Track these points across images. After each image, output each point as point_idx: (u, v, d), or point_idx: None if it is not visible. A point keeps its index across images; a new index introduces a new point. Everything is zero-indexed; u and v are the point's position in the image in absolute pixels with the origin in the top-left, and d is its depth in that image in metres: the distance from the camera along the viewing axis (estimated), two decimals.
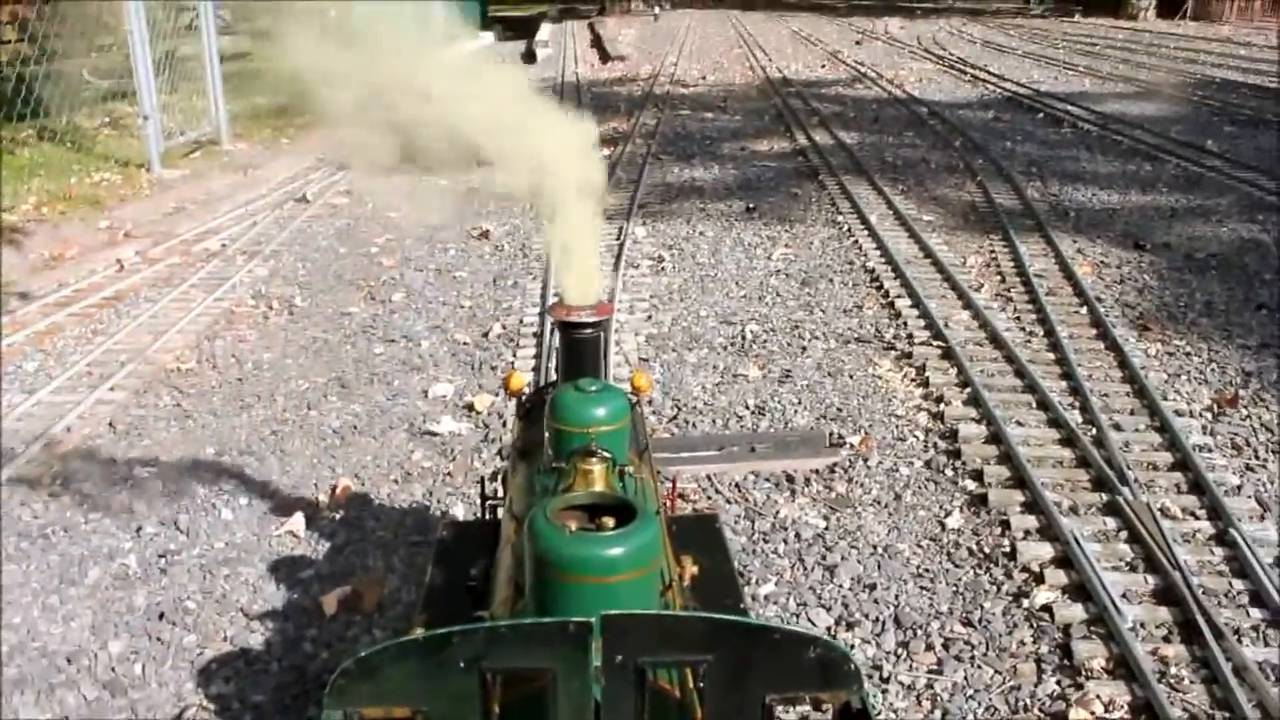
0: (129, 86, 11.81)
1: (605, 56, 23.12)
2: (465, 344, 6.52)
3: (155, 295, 7.52)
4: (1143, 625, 3.80)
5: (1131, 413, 5.48)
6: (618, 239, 8.46)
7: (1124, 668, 3.57)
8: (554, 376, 4.31)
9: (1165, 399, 5.59)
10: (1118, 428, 5.30)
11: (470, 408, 5.59)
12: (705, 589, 2.57)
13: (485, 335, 6.65)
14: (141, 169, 11.30)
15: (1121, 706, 3.41)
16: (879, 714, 3.35)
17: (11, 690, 3.49)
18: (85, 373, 6.09)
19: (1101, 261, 8.14)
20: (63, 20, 12.03)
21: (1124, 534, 4.37)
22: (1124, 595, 3.94)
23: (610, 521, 1.91)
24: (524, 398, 3.07)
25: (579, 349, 2.83)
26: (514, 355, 6.29)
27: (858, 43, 27.71)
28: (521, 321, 6.85)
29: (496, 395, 5.66)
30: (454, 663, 1.61)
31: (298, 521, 4.47)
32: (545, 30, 26.69)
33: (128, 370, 6.10)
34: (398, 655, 1.63)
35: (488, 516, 3.26)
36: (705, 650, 1.63)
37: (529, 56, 22.80)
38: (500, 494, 3.22)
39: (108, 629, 3.82)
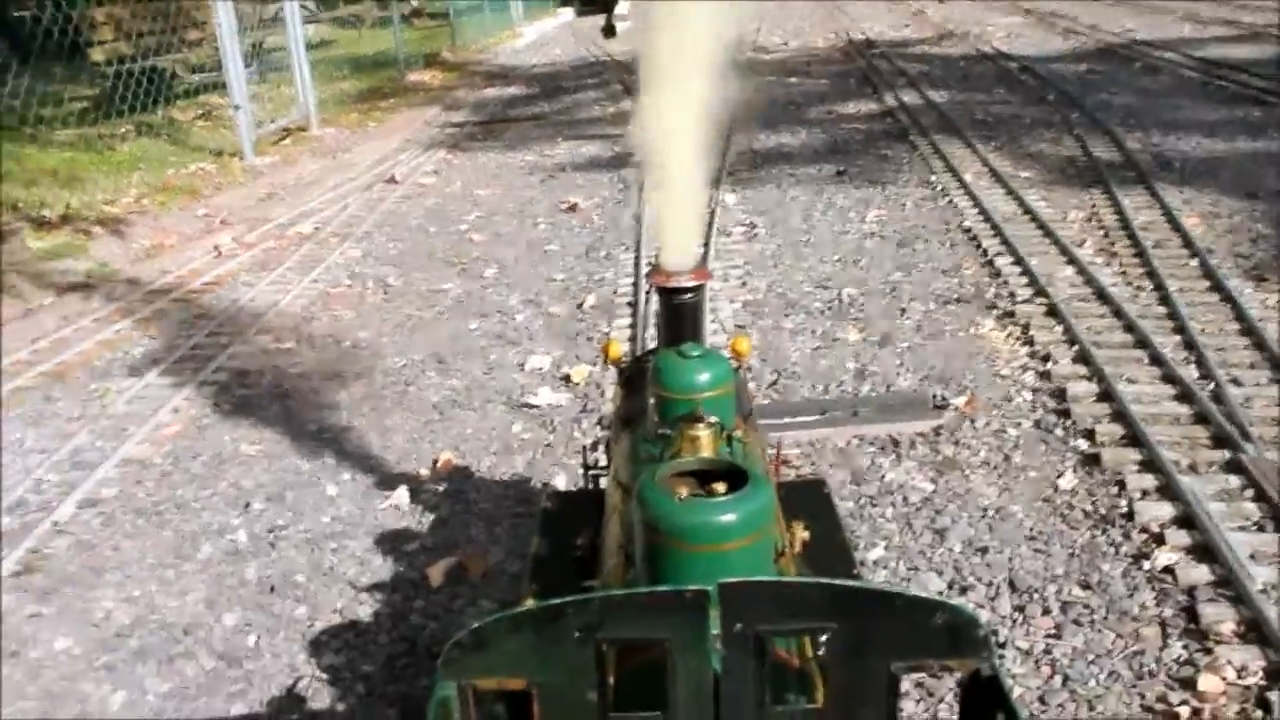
0: (220, 79, 12.07)
1: None
2: (559, 316, 6.51)
3: (253, 279, 7.66)
4: (1274, 587, 3.62)
5: (1251, 366, 5.24)
6: (708, 206, 8.37)
7: (1255, 631, 3.40)
8: (652, 344, 4.27)
9: None
10: (1236, 383, 5.07)
11: (567, 379, 5.58)
12: (817, 556, 2.50)
13: (579, 307, 6.63)
14: (235, 158, 11.54)
15: (1255, 672, 3.25)
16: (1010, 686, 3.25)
17: (134, 660, 3.58)
18: (189, 356, 6.23)
19: (1210, 211, 7.80)
20: (155, 18, 12.35)
21: (1249, 492, 4.17)
22: (1252, 556, 3.76)
23: (721, 487, 1.86)
24: (624, 366, 3.03)
25: (679, 314, 2.77)
26: (609, 325, 6.26)
27: (941, 0, 27.05)
28: (615, 292, 6.82)
29: (593, 366, 5.64)
30: (568, 634, 1.57)
31: (401, 495, 4.51)
32: (624, 4, 26.55)
33: (230, 353, 6.22)
34: (511, 627, 1.59)
35: (591, 486, 3.23)
36: (827, 618, 1.56)
37: (609, 30, 22.70)
38: (602, 463, 3.20)
39: (221, 602, 3.89)
